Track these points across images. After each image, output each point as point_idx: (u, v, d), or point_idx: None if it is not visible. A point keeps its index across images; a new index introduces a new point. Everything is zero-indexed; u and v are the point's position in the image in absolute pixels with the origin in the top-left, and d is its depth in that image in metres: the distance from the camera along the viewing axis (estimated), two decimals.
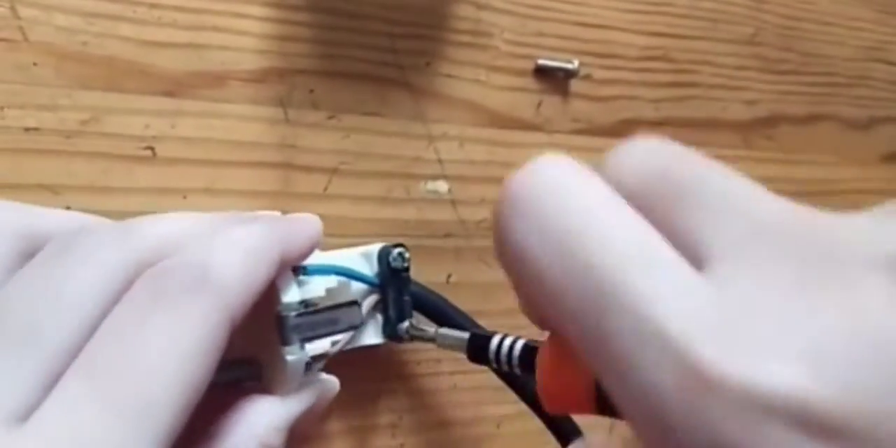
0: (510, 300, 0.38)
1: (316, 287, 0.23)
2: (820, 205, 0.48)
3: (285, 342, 0.21)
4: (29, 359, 0.15)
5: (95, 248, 0.16)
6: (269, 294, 0.20)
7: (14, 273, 0.16)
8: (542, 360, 0.18)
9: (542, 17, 0.37)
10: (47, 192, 0.28)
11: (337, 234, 0.33)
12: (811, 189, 0.47)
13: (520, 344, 0.24)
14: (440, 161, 0.35)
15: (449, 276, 0.35)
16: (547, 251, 0.13)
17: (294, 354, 0.21)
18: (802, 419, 0.09)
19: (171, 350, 0.15)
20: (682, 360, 0.10)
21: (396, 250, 0.29)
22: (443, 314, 0.32)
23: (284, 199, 0.32)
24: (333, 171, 0.33)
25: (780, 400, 0.10)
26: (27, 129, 0.27)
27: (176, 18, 0.30)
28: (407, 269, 0.30)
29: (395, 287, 0.29)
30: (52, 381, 0.15)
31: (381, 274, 0.29)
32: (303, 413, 0.21)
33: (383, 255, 0.29)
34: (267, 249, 0.18)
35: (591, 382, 0.15)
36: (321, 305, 0.22)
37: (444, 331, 0.28)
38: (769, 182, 0.49)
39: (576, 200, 0.13)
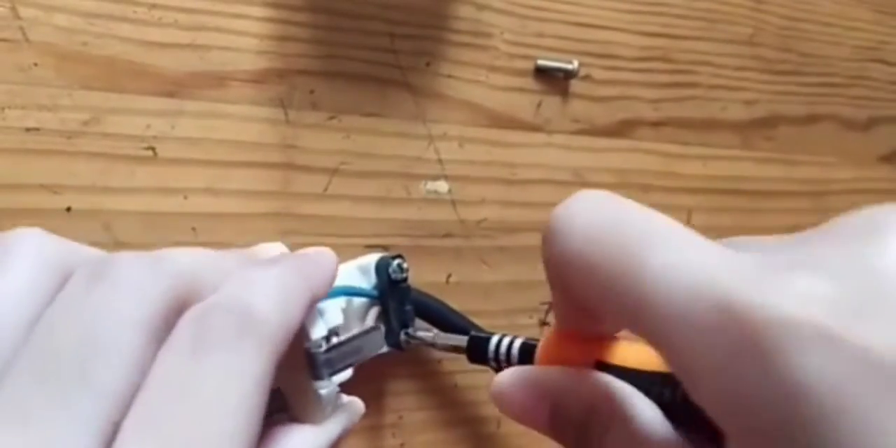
0: (509, 300, 0.38)
1: (334, 313, 0.23)
2: (819, 205, 0.49)
3: (317, 377, 0.21)
4: (84, 405, 0.14)
5: (130, 275, 0.16)
6: None
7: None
8: (543, 352, 0.18)
9: (542, 18, 0.38)
10: (48, 192, 0.28)
11: (337, 234, 0.33)
12: (810, 189, 0.47)
13: (518, 342, 0.24)
14: (440, 161, 0.35)
15: (449, 276, 0.35)
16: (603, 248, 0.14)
17: (326, 388, 0.21)
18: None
19: (228, 399, 0.15)
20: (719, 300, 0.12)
21: (395, 261, 0.29)
22: (444, 319, 0.32)
23: (285, 200, 0.32)
24: (334, 172, 0.33)
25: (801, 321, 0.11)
26: (28, 130, 0.27)
27: (176, 19, 0.30)
28: (406, 280, 0.30)
29: (395, 297, 0.29)
30: (109, 429, 0.14)
31: (380, 285, 0.29)
32: (338, 438, 0.22)
33: (382, 267, 0.29)
34: (300, 289, 0.18)
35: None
36: (343, 335, 0.23)
37: (443, 335, 0.29)
38: (768, 182, 0.50)
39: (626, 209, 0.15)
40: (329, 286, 0.21)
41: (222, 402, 0.15)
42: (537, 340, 0.21)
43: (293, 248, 0.32)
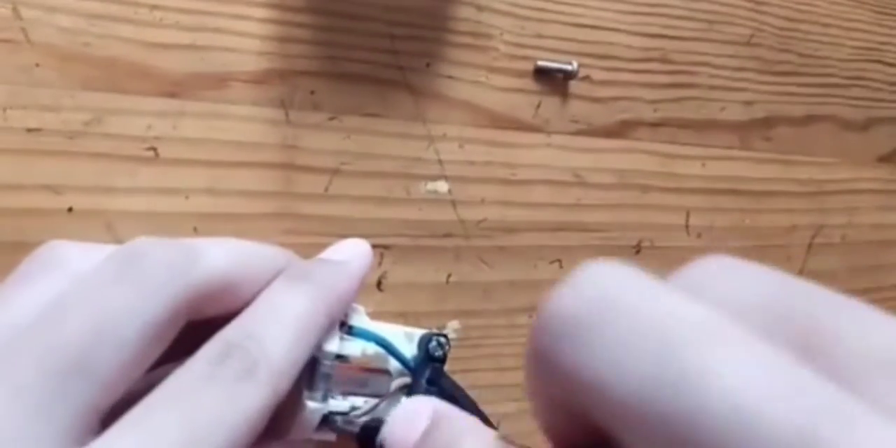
0: (509, 300, 0.38)
1: (354, 347, 0.23)
2: (818, 205, 0.49)
3: (311, 388, 0.21)
4: (75, 392, 0.15)
5: (155, 271, 0.16)
6: None
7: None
8: None
9: (542, 19, 0.38)
10: (50, 192, 0.28)
11: (338, 234, 0.33)
12: (809, 190, 0.47)
13: None
14: (440, 161, 0.35)
15: (449, 275, 0.35)
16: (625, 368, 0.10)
17: (315, 402, 0.21)
18: None
19: (219, 429, 0.16)
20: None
21: (438, 339, 0.29)
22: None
23: (286, 200, 0.32)
24: (334, 172, 0.33)
25: None
26: (30, 130, 0.28)
27: (178, 20, 0.30)
28: (443, 360, 0.29)
29: (425, 374, 0.29)
30: (93, 414, 0.15)
31: (416, 359, 0.29)
32: None
33: (423, 341, 0.29)
34: (317, 320, 0.19)
35: None
36: (355, 364, 0.23)
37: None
38: (767, 183, 0.50)
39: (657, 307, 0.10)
40: (354, 294, 0.22)
41: (214, 430, 0.16)
42: None
43: (294, 248, 0.32)
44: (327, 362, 0.21)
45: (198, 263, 0.17)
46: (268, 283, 0.19)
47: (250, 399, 0.16)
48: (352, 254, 0.23)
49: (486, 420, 0.31)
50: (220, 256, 0.18)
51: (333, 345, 0.21)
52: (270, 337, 0.18)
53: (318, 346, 0.21)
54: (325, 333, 0.21)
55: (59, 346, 0.15)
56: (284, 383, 0.18)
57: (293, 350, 0.18)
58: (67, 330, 0.15)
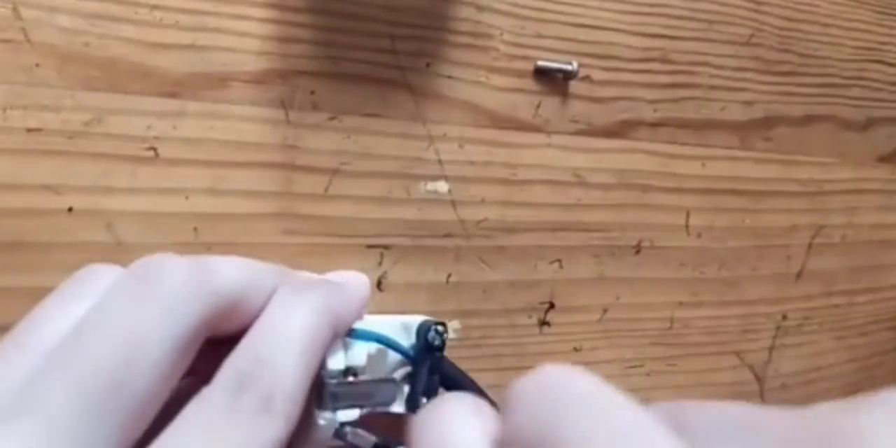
0: (509, 300, 0.38)
1: (359, 353, 0.23)
2: (818, 205, 0.49)
3: (321, 406, 0.21)
4: (111, 417, 0.15)
5: (175, 288, 0.17)
6: None
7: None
8: None
9: (542, 19, 0.38)
10: (50, 192, 0.28)
11: (338, 234, 0.33)
12: (809, 190, 0.47)
13: None
14: (440, 162, 0.35)
15: (449, 275, 0.35)
16: None
17: (326, 419, 0.21)
18: None
19: None
20: None
21: (436, 328, 0.29)
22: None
23: (286, 200, 0.32)
24: (334, 172, 0.33)
25: None
26: (30, 130, 0.28)
27: (178, 20, 0.30)
28: (442, 348, 0.29)
29: (426, 363, 0.29)
30: (124, 437, 0.15)
31: (416, 347, 0.29)
32: None
33: (422, 330, 0.29)
34: (322, 333, 0.19)
35: None
36: (361, 377, 0.23)
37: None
38: (767, 182, 0.50)
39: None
40: (353, 320, 0.22)
41: None
42: None
43: (294, 248, 0.32)
44: (333, 381, 0.21)
45: (215, 279, 0.17)
46: (268, 299, 0.19)
47: (270, 430, 0.17)
48: (348, 276, 0.23)
49: (490, 401, 0.31)
50: (232, 272, 0.18)
51: (339, 361, 0.22)
52: (280, 360, 0.18)
53: (324, 365, 0.21)
54: (330, 348, 0.21)
55: (92, 370, 0.15)
56: (297, 409, 0.18)
57: (302, 371, 0.18)
58: (99, 353, 0.15)
